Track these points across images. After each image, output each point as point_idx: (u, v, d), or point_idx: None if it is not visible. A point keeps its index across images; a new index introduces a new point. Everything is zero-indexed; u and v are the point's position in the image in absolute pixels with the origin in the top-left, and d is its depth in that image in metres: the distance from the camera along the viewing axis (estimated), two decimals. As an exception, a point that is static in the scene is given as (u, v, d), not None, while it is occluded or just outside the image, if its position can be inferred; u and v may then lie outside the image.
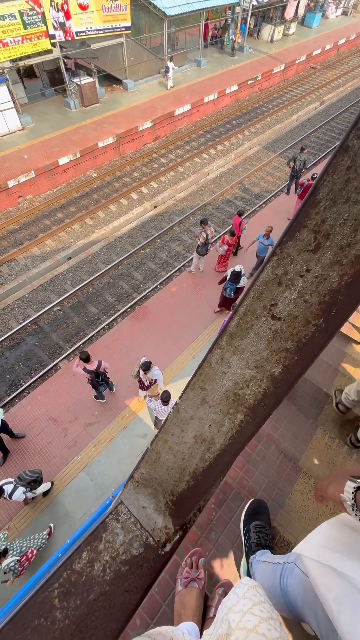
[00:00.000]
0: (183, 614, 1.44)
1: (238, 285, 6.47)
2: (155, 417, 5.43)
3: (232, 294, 6.67)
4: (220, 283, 6.88)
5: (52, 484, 5.20)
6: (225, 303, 7.14)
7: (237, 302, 0.49)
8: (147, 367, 4.98)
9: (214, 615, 1.43)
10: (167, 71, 14.99)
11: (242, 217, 8.05)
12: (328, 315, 0.41)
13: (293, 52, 19.32)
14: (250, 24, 19.22)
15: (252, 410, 0.48)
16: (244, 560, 1.62)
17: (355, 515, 0.70)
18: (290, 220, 0.43)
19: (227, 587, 1.49)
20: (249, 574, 1.50)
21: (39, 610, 0.45)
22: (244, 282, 6.48)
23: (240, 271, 6.30)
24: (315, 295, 0.41)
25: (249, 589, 0.71)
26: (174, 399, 5.84)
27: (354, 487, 0.70)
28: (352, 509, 0.70)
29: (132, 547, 0.54)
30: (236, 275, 6.30)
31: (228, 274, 6.40)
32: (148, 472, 0.59)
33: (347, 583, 0.71)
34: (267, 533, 1.61)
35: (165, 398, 4.74)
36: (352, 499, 0.71)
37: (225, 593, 1.47)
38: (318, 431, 2.27)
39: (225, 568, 1.67)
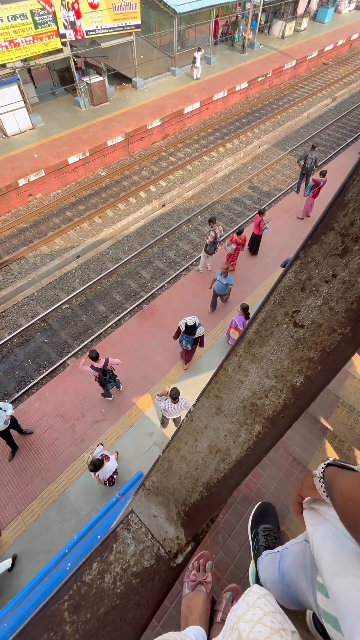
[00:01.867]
0: (190, 618, 1.43)
1: (195, 336, 5.83)
2: (163, 416, 5.43)
3: (190, 346, 6.03)
4: (175, 337, 6.06)
5: (13, 558, 4.70)
6: (184, 354, 6.41)
7: (257, 308, 0.46)
8: (176, 394, 4.80)
9: (222, 620, 1.42)
10: (194, 62, 15.17)
11: (263, 216, 7.93)
12: (355, 323, 0.39)
13: (304, 48, 19.01)
14: (261, 20, 18.98)
15: (271, 421, 0.46)
16: (252, 565, 1.60)
17: (323, 490, 0.71)
18: (311, 219, 0.40)
19: (235, 591, 1.48)
20: (257, 579, 1.48)
21: (49, 623, 0.44)
22: (201, 331, 5.86)
23: (195, 323, 5.63)
24: (341, 303, 0.39)
25: (259, 598, 0.69)
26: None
27: (325, 464, 0.71)
28: (319, 482, 0.70)
29: (143, 558, 0.52)
30: (191, 328, 5.64)
31: (182, 325, 5.69)
32: (160, 480, 0.57)
33: (322, 517, 0.74)
34: (275, 536, 1.59)
35: (174, 395, 4.72)
36: (322, 473, 0.71)
37: (232, 597, 1.46)
38: (328, 434, 2.23)
39: (232, 572, 1.66)
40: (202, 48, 15.42)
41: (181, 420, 0.54)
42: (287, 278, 0.42)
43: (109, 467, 4.79)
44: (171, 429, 5.91)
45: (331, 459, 0.72)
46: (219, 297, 7.37)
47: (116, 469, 4.97)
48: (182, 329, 5.74)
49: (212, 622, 1.41)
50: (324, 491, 0.69)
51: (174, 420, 5.45)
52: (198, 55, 15.04)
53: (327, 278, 0.39)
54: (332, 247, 0.38)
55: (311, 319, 0.41)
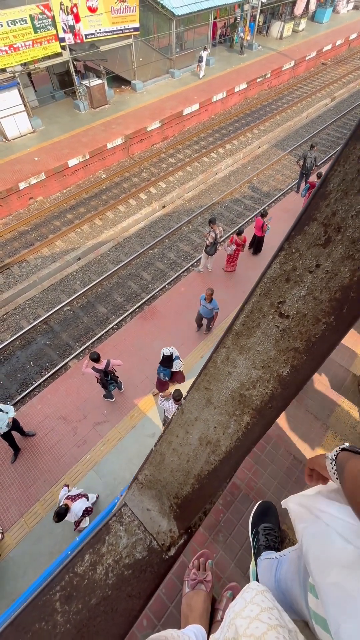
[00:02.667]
0: (190, 617, 1.43)
1: (173, 370, 5.38)
2: (165, 416, 5.43)
3: (168, 378, 5.59)
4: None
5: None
6: (161, 386, 5.92)
7: (245, 299, 0.47)
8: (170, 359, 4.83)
9: (222, 619, 1.41)
10: (200, 60, 15.70)
11: (265, 219, 7.98)
12: (339, 312, 0.39)
13: (303, 49, 19.05)
14: (259, 21, 19.04)
15: (259, 412, 0.46)
16: (252, 564, 1.60)
17: (333, 472, 0.72)
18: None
19: (235, 590, 1.47)
20: (257, 578, 1.48)
21: (40, 613, 0.44)
22: (177, 366, 5.38)
23: (171, 354, 5.15)
24: (325, 292, 0.39)
25: (257, 594, 0.69)
26: None
27: (339, 448, 0.73)
28: (331, 465, 0.72)
29: (135, 550, 0.53)
30: (167, 359, 5.17)
31: (161, 354, 5.32)
32: (152, 473, 0.57)
33: (314, 515, 0.75)
34: (276, 535, 1.59)
35: (177, 396, 4.74)
36: (334, 457, 0.73)
37: (233, 596, 1.46)
38: (328, 433, 2.23)
39: (233, 571, 1.65)
40: (207, 47, 15.97)
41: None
42: (272, 269, 0.42)
43: (76, 508, 4.27)
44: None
45: (347, 444, 0.74)
46: (204, 320, 6.92)
47: (91, 505, 4.52)
48: (161, 357, 5.34)
49: (212, 621, 1.41)
50: (334, 473, 0.71)
51: None
52: (204, 54, 15.54)
53: (311, 268, 0.40)
54: (315, 237, 0.39)
55: (296, 309, 0.41)
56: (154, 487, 0.58)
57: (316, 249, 0.39)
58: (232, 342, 0.47)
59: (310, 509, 0.78)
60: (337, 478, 0.72)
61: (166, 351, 5.23)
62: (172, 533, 0.56)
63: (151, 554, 0.53)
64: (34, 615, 0.44)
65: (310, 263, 0.39)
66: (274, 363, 0.44)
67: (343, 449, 0.73)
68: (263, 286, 0.43)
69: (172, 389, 4.96)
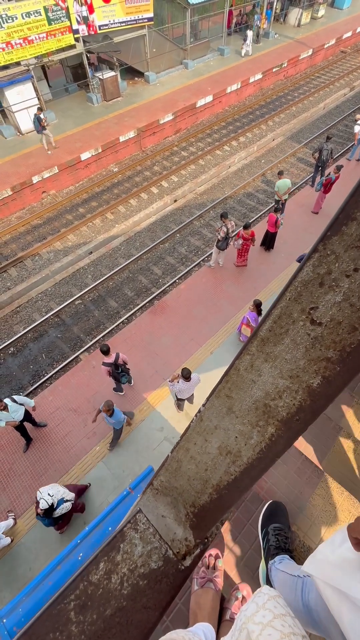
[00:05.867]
0: (199, 614, 1.43)
1: (55, 516, 4.43)
2: (178, 400, 5.54)
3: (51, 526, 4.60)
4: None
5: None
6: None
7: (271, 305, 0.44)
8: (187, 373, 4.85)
9: (230, 618, 1.41)
10: (245, 39, 16.45)
11: (278, 213, 7.86)
12: (378, 321, 0.36)
13: (322, 36, 18.40)
14: (276, 9, 18.45)
15: (285, 423, 0.43)
16: (262, 564, 1.59)
17: None
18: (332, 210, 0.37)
19: (244, 590, 1.47)
20: (267, 579, 1.46)
21: (55, 623, 0.44)
22: (62, 510, 4.44)
23: (52, 504, 4.24)
24: None
25: (269, 599, 0.67)
26: (196, 402, 5.83)
27: None
28: None
29: (150, 559, 0.51)
30: (47, 511, 4.19)
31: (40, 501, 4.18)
32: (168, 480, 0.56)
33: (354, 606, 0.67)
34: (286, 536, 1.57)
35: (186, 374, 4.82)
36: None
37: (242, 596, 1.45)
38: (341, 433, 2.18)
39: (242, 570, 1.64)
40: (251, 27, 16.76)
41: (192, 415, 0.53)
42: (304, 272, 0.39)
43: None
44: (183, 424, 5.92)
45: None
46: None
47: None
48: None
49: (220, 619, 1.40)
50: None
51: (188, 399, 5.56)
52: (250, 33, 16.21)
53: (349, 272, 0.36)
54: (355, 238, 0.35)
55: (330, 316, 0.38)
56: (170, 494, 0.56)
57: (355, 251, 0.36)
58: (257, 349, 0.44)
59: (348, 596, 0.69)
60: None
61: (42, 503, 4.15)
62: (187, 542, 0.54)
63: (167, 564, 0.52)
64: (47, 624, 0.43)
65: (347, 266, 0.36)
66: (303, 373, 0.41)
67: None
68: (293, 290, 0.40)
69: (179, 370, 4.99)
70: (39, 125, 11.12)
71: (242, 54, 16.73)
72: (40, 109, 11.46)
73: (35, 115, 11.16)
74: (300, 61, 17.32)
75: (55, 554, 4.38)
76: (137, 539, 0.53)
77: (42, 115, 11.13)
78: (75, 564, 4.18)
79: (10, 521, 4.95)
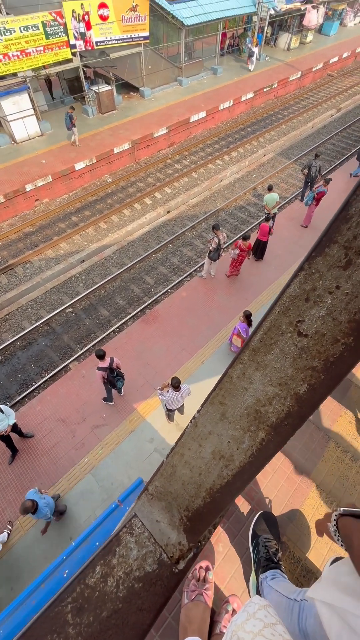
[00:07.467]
0: (189, 628, 1.41)
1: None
2: (168, 410, 5.48)
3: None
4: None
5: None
6: None
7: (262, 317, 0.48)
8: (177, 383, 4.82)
9: (220, 632, 1.39)
10: (251, 55, 17.58)
11: (269, 222, 8.10)
12: (358, 334, 0.40)
13: (310, 60, 19.31)
14: (267, 33, 19.33)
15: (274, 428, 0.46)
16: (252, 575, 1.58)
17: (337, 540, 0.75)
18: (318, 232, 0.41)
19: (234, 602, 1.45)
20: (258, 591, 1.45)
21: (52, 625, 0.44)
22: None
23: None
24: (345, 313, 0.40)
25: (260, 609, 0.69)
26: (187, 413, 5.80)
27: (337, 515, 0.77)
28: (335, 535, 0.76)
29: (145, 563, 0.53)
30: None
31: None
32: (163, 485, 0.58)
33: (344, 622, 0.70)
34: (277, 548, 1.57)
35: (175, 383, 4.78)
36: (335, 525, 0.76)
37: (232, 609, 1.44)
38: (330, 443, 2.22)
39: (232, 582, 1.63)
40: (257, 43, 17.70)
41: (186, 423, 0.55)
42: (291, 288, 0.43)
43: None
44: (174, 435, 5.87)
45: (342, 509, 0.78)
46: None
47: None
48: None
49: (211, 633, 1.39)
50: (338, 539, 0.76)
51: (178, 410, 5.52)
52: (256, 49, 17.43)
53: (331, 289, 0.40)
54: (336, 259, 0.39)
55: (315, 328, 0.42)
56: (165, 499, 0.58)
57: (336, 270, 0.40)
58: (249, 358, 0.48)
59: (344, 616, 0.71)
60: (341, 544, 0.75)
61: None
62: (181, 546, 0.56)
63: (161, 567, 0.53)
64: (45, 627, 0.44)
65: (330, 284, 0.40)
66: (291, 381, 0.44)
67: (341, 515, 0.77)
68: (282, 304, 0.44)
69: (167, 382, 4.97)
70: (70, 122, 11.98)
71: (250, 69, 18.04)
72: (72, 108, 12.22)
73: (67, 113, 11.92)
74: (290, 82, 18.08)
75: (40, 571, 4.22)
76: (133, 543, 0.54)
77: (73, 114, 11.96)
78: (61, 581, 4.03)
79: (5, 535, 4.79)
